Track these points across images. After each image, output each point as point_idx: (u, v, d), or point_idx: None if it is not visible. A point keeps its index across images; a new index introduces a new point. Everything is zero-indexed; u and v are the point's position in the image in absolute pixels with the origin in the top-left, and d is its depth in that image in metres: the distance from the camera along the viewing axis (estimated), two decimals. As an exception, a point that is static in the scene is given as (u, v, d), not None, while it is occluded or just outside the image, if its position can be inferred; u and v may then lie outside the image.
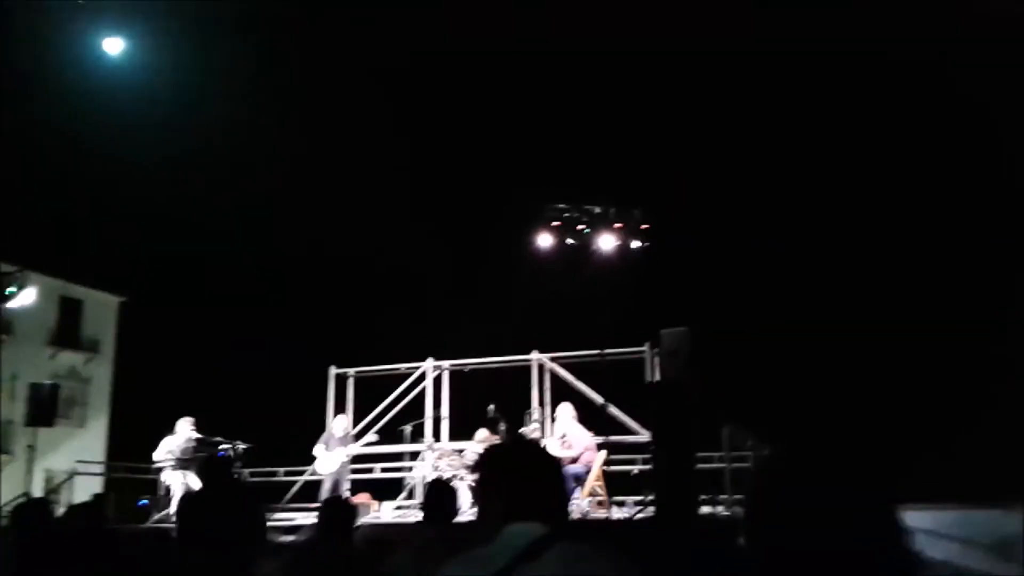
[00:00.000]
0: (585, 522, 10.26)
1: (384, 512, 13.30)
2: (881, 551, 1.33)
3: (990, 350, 15.72)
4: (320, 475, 12.88)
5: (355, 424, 14.78)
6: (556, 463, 2.07)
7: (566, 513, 1.99)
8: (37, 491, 18.38)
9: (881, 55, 17.31)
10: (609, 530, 9.55)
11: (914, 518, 1.38)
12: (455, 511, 4.66)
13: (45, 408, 13.77)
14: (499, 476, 1.90)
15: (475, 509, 1.94)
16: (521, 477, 1.85)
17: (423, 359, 14.67)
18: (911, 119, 18.89)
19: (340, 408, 14.98)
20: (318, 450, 12.94)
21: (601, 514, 11.15)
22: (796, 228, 20.79)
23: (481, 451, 10.49)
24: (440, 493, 4.65)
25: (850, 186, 20.16)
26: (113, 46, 12.79)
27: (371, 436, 13.97)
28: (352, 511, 4.64)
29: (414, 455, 13.89)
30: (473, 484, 2.04)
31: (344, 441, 13.07)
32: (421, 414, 13.97)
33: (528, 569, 1.41)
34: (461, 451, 12.97)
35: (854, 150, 20.55)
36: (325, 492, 12.63)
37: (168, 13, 14.56)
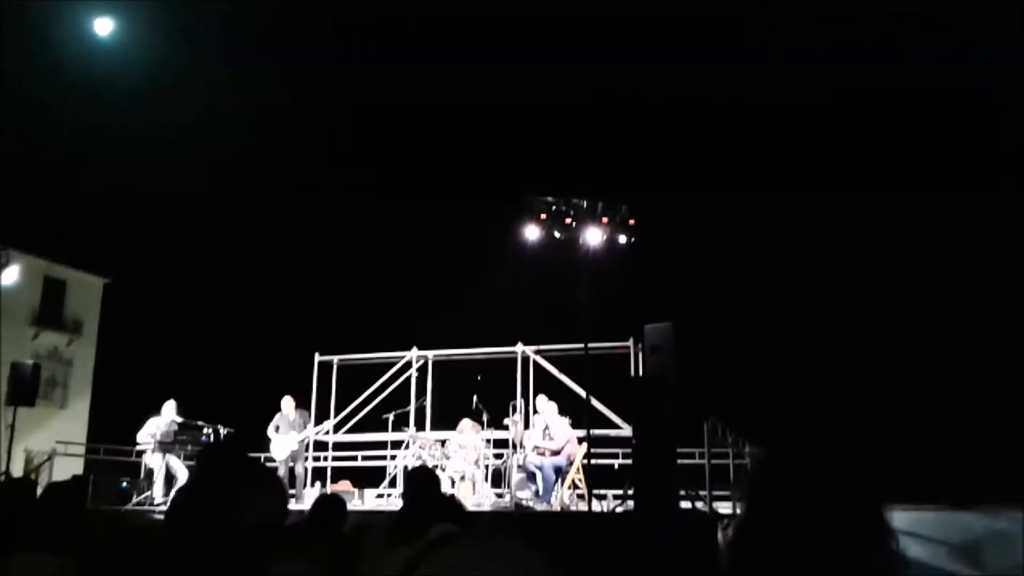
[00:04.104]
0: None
1: (366, 500, 13.33)
2: (869, 551, 1.37)
3: (972, 354, 15.86)
4: (275, 459, 12.84)
5: (337, 411, 14.79)
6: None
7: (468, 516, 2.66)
8: (17, 471, 18.29)
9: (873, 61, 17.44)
10: (589, 522, 9.61)
11: (891, 518, 1.43)
12: (437, 497, 4.67)
13: (26, 388, 13.69)
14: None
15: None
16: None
17: (408, 348, 14.68)
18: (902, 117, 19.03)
19: (324, 395, 14.97)
20: (270, 432, 12.92)
21: (581, 507, 11.20)
22: (783, 225, 20.88)
23: (462, 442, 10.52)
24: (421, 479, 4.67)
25: (840, 182, 20.26)
26: (103, 27, 12.72)
27: (326, 425, 13.98)
28: (342, 506, 4.66)
29: (396, 444, 13.90)
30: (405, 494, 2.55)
31: (298, 424, 13.04)
32: (405, 403, 13.98)
33: (438, 555, 1.64)
34: (444, 441, 13.00)
35: (844, 147, 20.68)
36: (282, 476, 12.62)
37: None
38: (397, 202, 24.26)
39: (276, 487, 2.02)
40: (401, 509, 4.52)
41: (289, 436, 12.84)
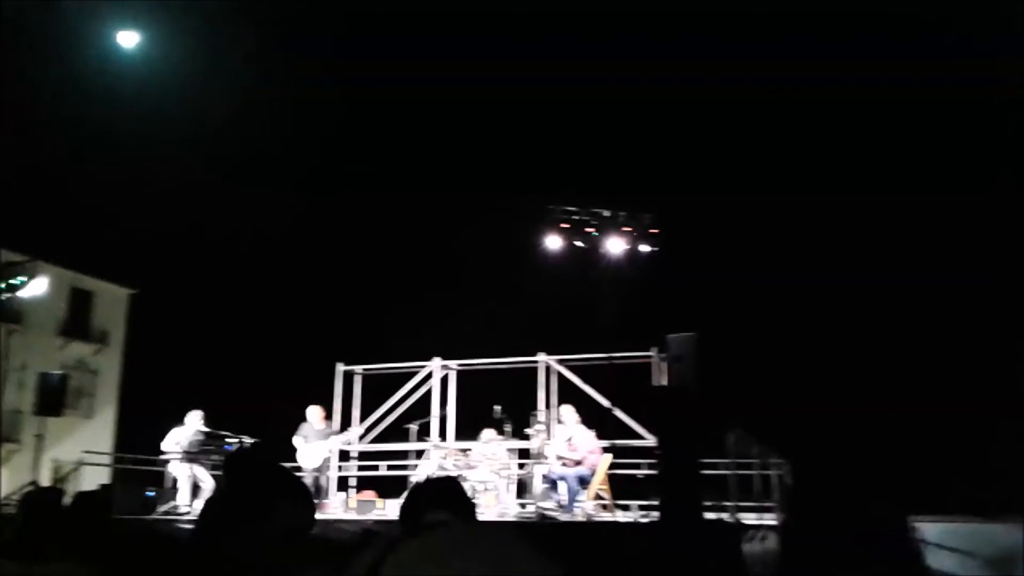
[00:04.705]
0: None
1: (389, 510, 13.33)
2: (901, 564, 1.37)
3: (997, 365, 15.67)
4: (303, 469, 12.89)
5: (362, 421, 14.82)
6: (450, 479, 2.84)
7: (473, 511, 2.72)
8: (45, 480, 18.47)
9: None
10: (613, 533, 9.56)
11: (920, 530, 1.43)
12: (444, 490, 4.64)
13: (54, 398, 13.83)
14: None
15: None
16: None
17: (430, 358, 14.69)
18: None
19: (347, 405, 15.01)
20: (297, 442, 12.98)
21: (606, 517, 11.15)
22: (808, 235, 20.75)
23: (487, 452, 10.49)
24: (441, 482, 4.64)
25: (864, 196, 20.12)
26: (128, 39, 12.84)
27: (353, 434, 14.02)
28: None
29: (419, 454, 13.91)
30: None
31: (324, 434, 13.09)
32: (427, 413, 13.99)
33: (426, 533, 1.67)
34: (466, 451, 12.98)
35: (862, 156, 20.56)
36: (308, 484, 12.68)
37: (182, 7, 14.64)
38: (419, 208, 24.32)
39: (303, 495, 2.02)
40: (404, 500, 4.50)
41: (317, 446, 12.89)
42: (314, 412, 13.27)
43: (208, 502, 2.02)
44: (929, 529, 6.47)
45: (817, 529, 1.41)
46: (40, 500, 4.03)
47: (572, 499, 11.28)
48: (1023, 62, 13.71)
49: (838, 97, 20.08)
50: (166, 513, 12.38)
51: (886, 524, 1.39)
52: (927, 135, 19.61)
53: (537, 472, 12.14)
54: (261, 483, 1.97)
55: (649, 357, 13.18)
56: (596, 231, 11.80)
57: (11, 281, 14.26)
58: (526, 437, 12.65)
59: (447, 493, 2.60)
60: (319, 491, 12.94)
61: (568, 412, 12.10)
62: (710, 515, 9.57)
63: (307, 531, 1.98)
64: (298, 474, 12.56)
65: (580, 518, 11.14)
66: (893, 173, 20.05)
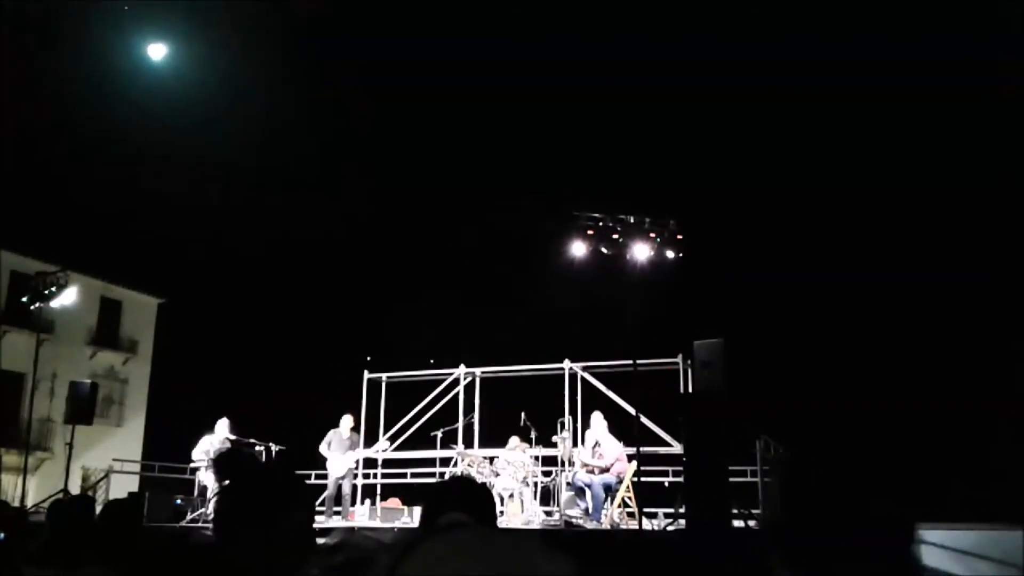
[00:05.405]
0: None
1: (415, 517, 13.34)
2: (903, 567, 1.35)
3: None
4: (329, 476, 12.94)
5: (386, 429, 14.86)
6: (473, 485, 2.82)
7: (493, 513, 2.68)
8: (74, 488, 18.65)
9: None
10: (640, 541, 9.51)
11: (936, 536, 1.40)
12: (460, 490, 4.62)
13: (84, 406, 13.97)
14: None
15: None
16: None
17: (456, 366, 14.71)
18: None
19: (373, 412, 15.06)
20: (323, 449, 13.02)
21: (632, 525, 11.09)
22: (832, 242, 20.59)
23: (510, 459, 10.42)
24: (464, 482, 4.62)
25: (891, 201, 19.95)
26: (156, 51, 12.99)
27: (383, 443, 14.03)
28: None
29: (445, 461, 13.92)
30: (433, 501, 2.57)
31: (350, 442, 13.12)
32: (453, 420, 14.00)
33: (441, 536, 1.62)
34: (492, 458, 12.97)
35: (861, 156, 20.46)
36: (330, 494, 12.73)
37: (211, 20, 14.78)
38: (444, 214, 24.37)
39: (301, 499, 2.02)
40: (424, 501, 4.47)
41: (346, 455, 12.90)
42: (347, 420, 13.30)
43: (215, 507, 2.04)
44: (950, 536, 6.38)
45: (816, 530, 1.38)
46: (70, 508, 4.06)
47: (598, 507, 11.23)
48: (1023, 62, 13.62)
49: (838, 97, 19.97)
50: (194, 520, 12.47)
51: (889, 527, 1.37)
52: (927, 135, 19.49)
53: (563, 480, 12.10)
54: (254, 487, 1.97)
55: (676, 364, 13.12)
56: (621, 237, 11.73)
57: (43, 291, 14.43)
58: (552, 444, 12.62)
59: (466, 494, 2.56)
60: (342, 499, 12.98)
61: (596, 419, 12.05)
62: (738, 523, 9.50)
63: (305, 534, 1.97)
64: (323, 481, 12.70)
65: (606, 526, 11.09)
66: (893, 173, 19.93)
